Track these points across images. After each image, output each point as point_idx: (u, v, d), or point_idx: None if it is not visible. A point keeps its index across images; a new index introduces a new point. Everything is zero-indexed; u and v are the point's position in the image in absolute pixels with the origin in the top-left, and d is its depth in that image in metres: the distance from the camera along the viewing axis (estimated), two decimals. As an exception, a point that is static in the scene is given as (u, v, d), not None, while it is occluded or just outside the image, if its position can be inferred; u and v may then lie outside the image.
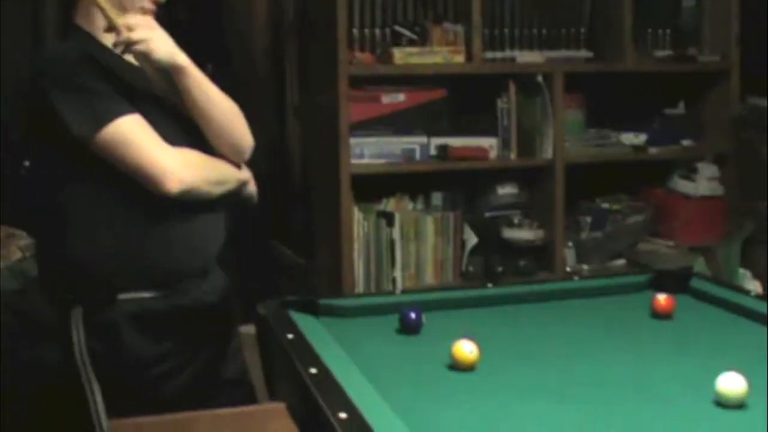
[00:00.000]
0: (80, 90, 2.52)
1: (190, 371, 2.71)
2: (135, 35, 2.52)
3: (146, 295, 2.63)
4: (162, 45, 2.56)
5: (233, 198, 2.80)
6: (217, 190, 2.69)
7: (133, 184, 2.55)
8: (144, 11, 2.62)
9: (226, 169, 2.73)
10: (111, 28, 2.54)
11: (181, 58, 2.59)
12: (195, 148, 2.65)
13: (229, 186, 2.74)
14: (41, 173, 2.70)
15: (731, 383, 2.21)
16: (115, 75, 2.59)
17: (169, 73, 2.61)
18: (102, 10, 2.53)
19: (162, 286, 2.65)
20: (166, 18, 2.80)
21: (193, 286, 2.72)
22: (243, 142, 2.78)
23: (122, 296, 2.61)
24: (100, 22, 2.63)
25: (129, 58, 2.62)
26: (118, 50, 2.55)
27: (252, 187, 2.87)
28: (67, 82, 2.52)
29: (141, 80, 2.64)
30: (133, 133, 2.52)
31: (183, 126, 2.66)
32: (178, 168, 2.55)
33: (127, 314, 2.60)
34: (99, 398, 2.61)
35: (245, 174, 2.83)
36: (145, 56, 2.55)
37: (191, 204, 2.63)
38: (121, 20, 2.53)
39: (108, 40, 2.62)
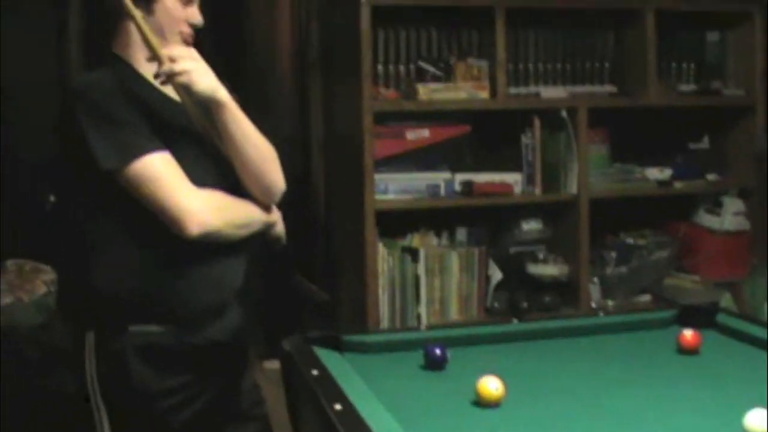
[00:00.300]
0: (112, 122, 2.51)
1: (198, 406, 2.70)
2: (177, 66, 2.52)
3: (156, 328, 2.63)
4: (204, 78, 2.56)
5: (260, 238, 2.80)
6: (241, 233, 2.68)
7: (158, 219, 2.55)
8: (183, 36, 2.65)
9: (252, 211, 2.72)
10: (153, 57, 2.55)
11: (222, 93, 2.59)
12: (227, 188, 2.66)
13: (254, 228, 2.73)
14: (68, 202, 2.71)
15: (759, 420, 2.20)
16: (150, 108, 2.58)
17: (209, 107, 2.62)
18: (145, 38, 2.54)
19: (175, 321, 2.65)
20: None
21: (208, 323, 2.71)
22: (275, 185, 2.77)
23: (133, 328, 2.61)
24: (139, 53, 2.64)
25: (168, 90, 2.64)
26: (158, 80, 2.55)
27: (279, 229, 2.85)
28: (100, 111, 2.51)
29: (177, 115, 2.64)
30: (159, 172, 2.52)
31: (217, 165, 2.66)
32: (201, 210, 2.54)
33: (136, 346, 2.60)
34: (106, 425, 2.61)
35: (273, 216, 2.81)
36: (186, 88, 2.56)
37: (214, 244, 2.63)
38: (164, 50, 2.54)
39: (146, 70, 2.63)
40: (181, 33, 2.66)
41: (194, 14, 2.69)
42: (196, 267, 2.63)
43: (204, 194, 2.58)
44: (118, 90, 2.56)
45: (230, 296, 2.75)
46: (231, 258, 2.71)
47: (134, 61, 2.66)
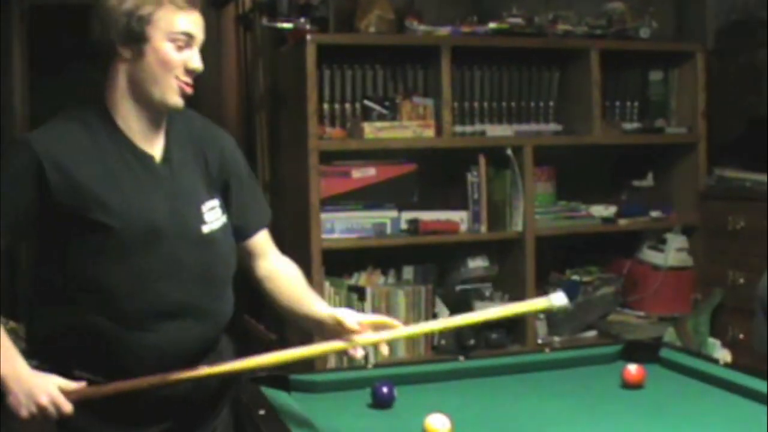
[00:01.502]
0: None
1: None
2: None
3: (101, 378, 2.60)
4: None
5: None
6: None
7: (99, 285, 2.56)
8: (179, 84, 2.58)
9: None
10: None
11: None
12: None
13: None
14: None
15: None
16: (95, 167, 2.56)
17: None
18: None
19: (118, 376, 2.60)
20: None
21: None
22: None
23: (78, 372, 2.59)
24: (121, 99, 2.61)
25: (143, 144, 2.63)
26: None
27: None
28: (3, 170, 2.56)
29: (141, 170, 2.62)
30: None
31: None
32: None
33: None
34: None
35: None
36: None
37: (158, 312, 2.62)
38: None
39: (124, 122, 2.61)
40: (176, 79, 2.58)
41: (192, 59, 2.59)
42: (135, 333, 2.58)
43: None
44: (42, 156, 2.52)
45: (173, 362, 2.63)
46: (178, 326, 2.64)
47: (113, 106, 2.62)
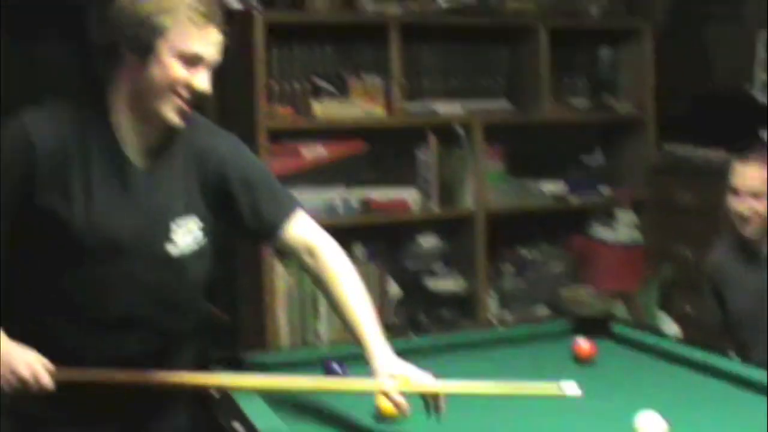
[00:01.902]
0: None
1: None
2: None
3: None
4: None
5: None
6: None
7: (67, 298, 2.53)
8: (178, 102, 2.46)
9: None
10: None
11: None
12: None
13: None
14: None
15: (648, 423, 2.25)
16: (75, 165, 2.48)
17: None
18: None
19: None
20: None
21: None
22: None
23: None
24: (122, 104, 2.51)
25: (133, 155, 2.55)
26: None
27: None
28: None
29: (119, 177, 2.53)
30: None
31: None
32: None
33: None
34: None
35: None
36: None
37: (125, 323, 2.57)
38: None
39: (123, 123, 2.53)
40: (175, 94, 2.45)
41: (198, 78, 2.46)
42: (80, 335, 2.56)
43: None
44: (38, 145, 2.44)
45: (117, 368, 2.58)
46: (126, 337, 2.59)
47: (111, 105, 2.52)
